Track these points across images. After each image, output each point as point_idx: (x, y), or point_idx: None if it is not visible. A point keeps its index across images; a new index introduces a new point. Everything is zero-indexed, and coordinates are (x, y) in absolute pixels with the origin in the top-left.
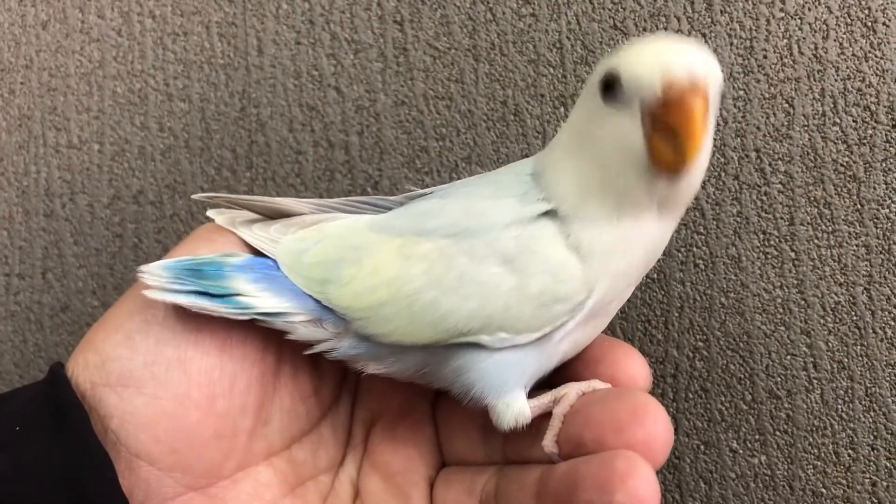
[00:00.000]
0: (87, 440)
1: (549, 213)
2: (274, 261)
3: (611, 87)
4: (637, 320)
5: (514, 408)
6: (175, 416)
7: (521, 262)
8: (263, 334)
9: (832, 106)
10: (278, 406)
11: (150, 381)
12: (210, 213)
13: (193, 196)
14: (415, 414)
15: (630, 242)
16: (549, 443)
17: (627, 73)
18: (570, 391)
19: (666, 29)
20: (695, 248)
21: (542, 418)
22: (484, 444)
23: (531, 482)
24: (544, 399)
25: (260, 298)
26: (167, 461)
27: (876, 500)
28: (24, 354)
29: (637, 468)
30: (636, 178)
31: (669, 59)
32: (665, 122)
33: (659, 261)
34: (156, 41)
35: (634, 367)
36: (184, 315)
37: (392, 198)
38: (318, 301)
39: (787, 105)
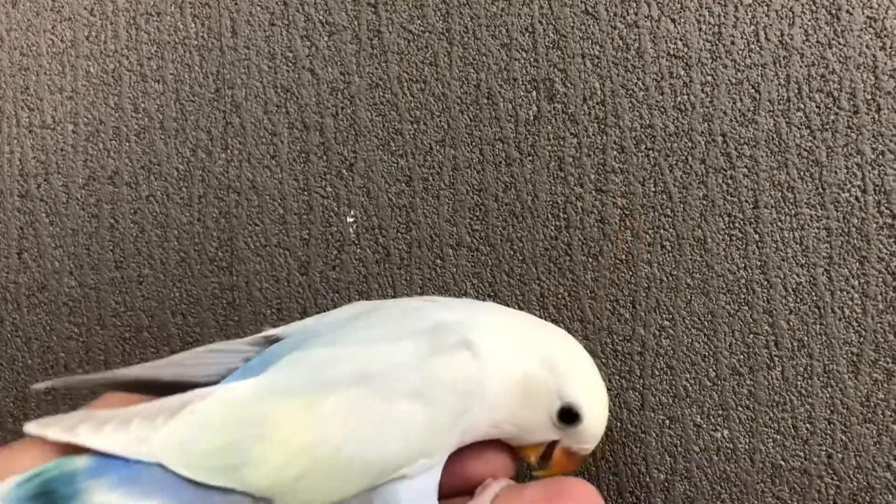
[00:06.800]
0: None
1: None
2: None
3: (569, 415)
4: (605, 300)
5: None
6: None
7: (429, 394)
8: None
9: (797, 92)
10: None
11: None
12: (29, 427)
13: (33, 386)
14: None
15: None
16: None
17: (591, 431)
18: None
19: (636, 14)
20: (662, 230)
21: None
22: None
23: None
24: None
25: None
26: None
27: (832, 472)
28: (1, 334)
29: None
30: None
31: (602, 428)
32: (580, 451)
33: (627, 242)
34: (129, 21)
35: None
36: None
37: (237, 342)
38: (203, 487)
39: (753, 91)
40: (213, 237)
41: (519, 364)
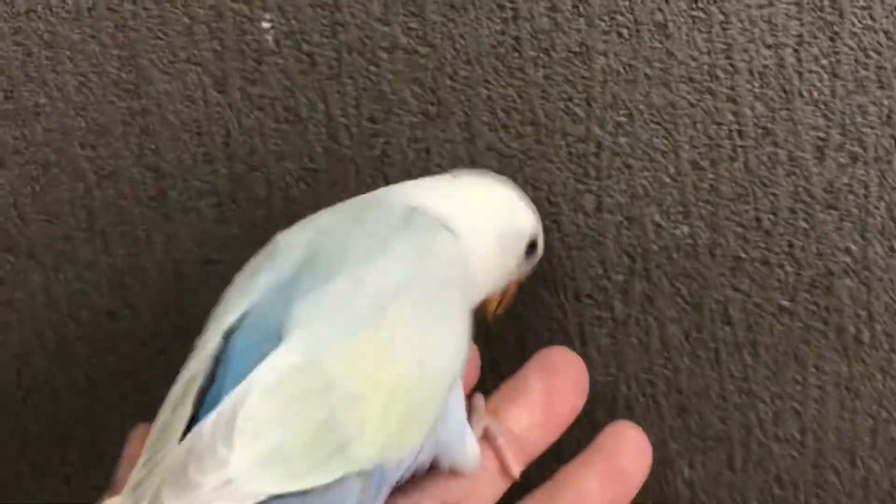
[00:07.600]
0: None
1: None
2: None
3: (531, 248)
4: (558, 98)
5: (474, 449)
6: None
7: (448, 278)
8: None
9: None
10: None
11: None
12: None
13: None
14: None
15: None
16: (516, 469)
17: (538, 252)
18: (491, 423)
19: None
20: (618, 16)
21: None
22: None
23: None
24: (478, 430)
25: None
26: None
27: (792, 260)
28: None
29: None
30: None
31: None
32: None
33: (580, 32)
34: None
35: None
36: None
37: (209, 347)
38: (310, 493)
39: None
40: (112, 55)
41: (491, 227)
